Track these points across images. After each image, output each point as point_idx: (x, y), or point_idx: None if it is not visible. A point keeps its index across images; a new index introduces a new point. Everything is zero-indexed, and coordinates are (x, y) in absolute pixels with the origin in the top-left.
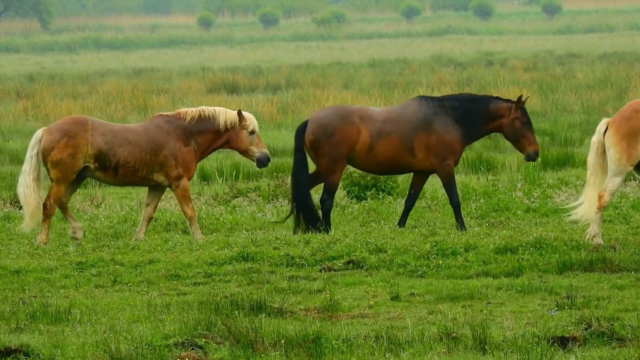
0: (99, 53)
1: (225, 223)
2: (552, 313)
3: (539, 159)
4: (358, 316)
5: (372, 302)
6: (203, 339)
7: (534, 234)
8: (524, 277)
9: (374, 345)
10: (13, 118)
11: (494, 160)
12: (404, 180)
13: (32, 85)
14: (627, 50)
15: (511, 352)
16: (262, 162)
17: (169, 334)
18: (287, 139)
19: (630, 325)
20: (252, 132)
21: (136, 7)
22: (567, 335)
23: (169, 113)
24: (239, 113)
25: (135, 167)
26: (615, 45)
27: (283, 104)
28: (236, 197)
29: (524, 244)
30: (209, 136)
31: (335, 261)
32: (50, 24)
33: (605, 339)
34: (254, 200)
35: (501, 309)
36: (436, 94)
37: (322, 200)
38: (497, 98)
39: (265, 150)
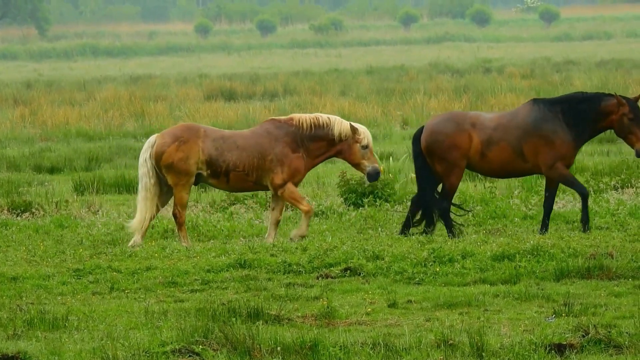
0: (96, 60)
1: (222, 230)
2: (550, 320)
3: None
4: (355, 323)
5: (369, 309)
6: (200, 346)
7: (531, 241)
8: (521, 284)
9: (371, 352)
10: (10, 125)
11: None
12: (400, 187)
13: (29, 92)
14: (625, 57)
15: (508, 359)
16: (372, 176)
17: (166, 340)
18: None
19: (627, 333)
20: (366, 147)
21: (134, 14)
22: (565, 343)
23: (280, 118)
24: (350, 126)
25: (245, 172)
26: (613, 53)
27: (280, 111)
28: (233, 204)
29: (521, 251)
30: (322, 144)
31: (332, 268)
32: (47, 31)
33: (603, 346)
34: (251, 207)
35: (498, 316)
36: (433, 101)
37: (438, 203)
38: (609, 95)
39: (377, 165)
